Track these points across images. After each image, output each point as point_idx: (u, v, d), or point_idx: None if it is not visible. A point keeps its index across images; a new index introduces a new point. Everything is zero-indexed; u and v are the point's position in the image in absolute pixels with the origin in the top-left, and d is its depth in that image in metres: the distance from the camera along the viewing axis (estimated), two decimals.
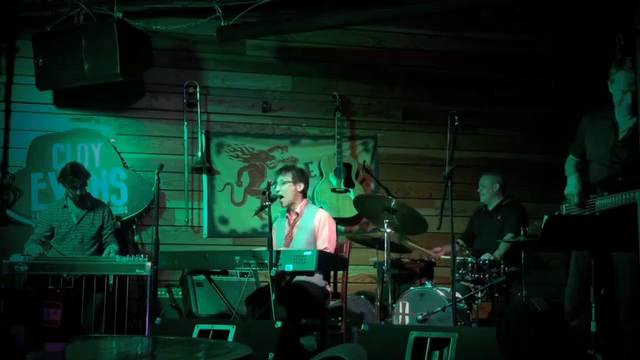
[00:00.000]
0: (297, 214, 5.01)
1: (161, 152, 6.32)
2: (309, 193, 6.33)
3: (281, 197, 4.88)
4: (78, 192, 5.31)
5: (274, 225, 5.00)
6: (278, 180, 4.95)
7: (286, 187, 4.94)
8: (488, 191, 5.85)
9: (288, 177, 4.96)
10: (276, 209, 5.08)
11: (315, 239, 4.90)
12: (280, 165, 6.24)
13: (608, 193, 3.73)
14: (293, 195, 4.98)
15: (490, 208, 5.88)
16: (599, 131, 3.90)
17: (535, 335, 3.87)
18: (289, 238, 4.97)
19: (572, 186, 3.96)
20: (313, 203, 6.27)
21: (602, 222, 3.76)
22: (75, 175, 5.30)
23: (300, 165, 6.42)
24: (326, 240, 4.86)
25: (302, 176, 5.06)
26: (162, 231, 5.16)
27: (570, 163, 4.14)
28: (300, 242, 4.89)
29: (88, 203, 5.45)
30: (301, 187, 5.01)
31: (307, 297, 4.71)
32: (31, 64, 5.87)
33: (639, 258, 3.63)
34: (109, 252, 5.28)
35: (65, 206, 5.41)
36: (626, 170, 3.69)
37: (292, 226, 5.00)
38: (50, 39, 5.83)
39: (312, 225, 4.93)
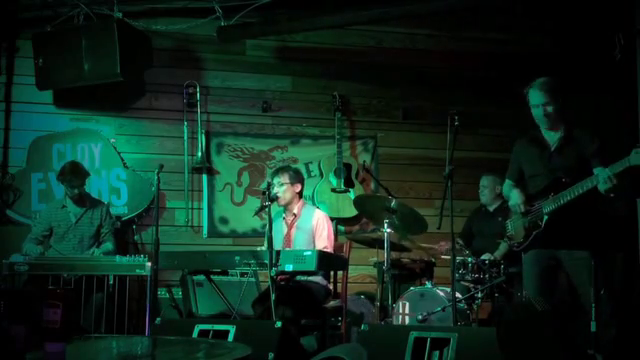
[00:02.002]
0: (295, 215, 5.01)
1: (161, 152, 6.32)
2: (309, 193, 6.37)
3: (278, 198, 4.89)
4: (76, 191, 5.32)
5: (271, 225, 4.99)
6: (275, 181, 4.94)
7: (284, 188, 4.95)
8: (490, 192, 5.85)
9: (285, 178, 4.96)
10: (273, 209, 5.09)
11: (314, 239, 4.90)
12: (279, 165, 6.25)
13: (554, 194, 3.98)
14: (291, 196, 4.99)
15: (490, 209, 5.88)
16: (532, 149, 4.28)
17: (535, 335, 3.87)
18: (288, 239, 4.97)
19: (515, 197, 4.27)
20: (313, 203, 6.29)
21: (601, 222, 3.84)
22: (74, 174, 5.31)
23: (300, 165, 6.42)
24: (325, 240, 4.86)
25: (299, 177, 5.08)
26: (162, 231, 5.16)
27: (507, 185, 4.47)
28: (300, 243, 4.90)
29: (87, 202, 5.45)
30: (298, 188, 5.03)
31: (310, 296, 4.72)
32: (31, 64, 5.88)
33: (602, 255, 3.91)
34: (104, 250, 5.27)
35: (64, 206, 5.41)
36: (568, 173, 3.99)
37: (290, 227, 5.00)
38: (50, 39, 5.83)
39: (310, 225, 4.94)
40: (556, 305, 4.06)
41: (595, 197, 3.81)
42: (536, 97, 4.19)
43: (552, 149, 4.16)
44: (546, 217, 4.03)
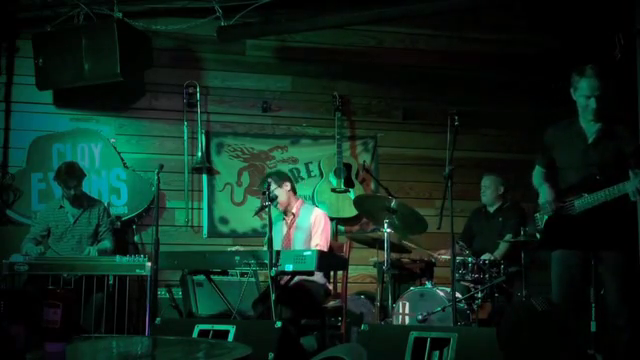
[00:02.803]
0: (293, 214, 5.01)
1: (161, 152, 6.32)
2: (309, 193, 6.37)
3: (277, 202, 4.88)
4: (72, 192, 5.31)
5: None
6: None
7: (275, 193, 4.93)
8: (492, 193, 5.84)
9: (272, 185, 4.92)
10: (273, 211, 5.08)
11: (311, 237, 4.90)
12: (279, 165, 6.26)
13: (586, 193, 3.83)
14: (286, 196, 4.98)
15: (491, 210, 5.88)
16: (567, 139, 4.06)
17: (535, 335, 3.86)
18: (288, 239, 4.96)
19: (545, 194, 4.08)
20: (313, 203, 6.28)
21: (602, 221, 3.80)
22: (69, 175, 5.30)
23: (300, 165, 6.43)
24: (319, 238, 4.84)
25: (281, 176, 5.08)
26: (162, 231, 5.16)
27: (538, 174, 4.28)
28: (299, 242, 4.89)
29: (84, 202, 5.44)
30: (288, 186, 5.03)
31: (310, 296, 4.72)
32: (31, 64, 5.87)
33: (625, 257, 3.79)
34: (100, 247, 5.28)
35: (61, 206, 5.40)
36: (603, 169, 3.82)
37: (290, 227, 5.00)
38: (50, 39, 5.83)
39: (308, 224, 4.93)
40: (581, 304, 3.93)
41: (627, 198, 3.67)
42: (590, 87, 3.87)
43: (589, 141, 3.95)
44: (546, 217, 4.01)
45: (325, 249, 4.83)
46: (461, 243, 5.69)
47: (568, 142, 4.04)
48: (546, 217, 4.01)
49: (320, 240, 4.83)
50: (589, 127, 3.97)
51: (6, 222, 5.96)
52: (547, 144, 4.19)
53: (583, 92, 3.91)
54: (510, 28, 6.78)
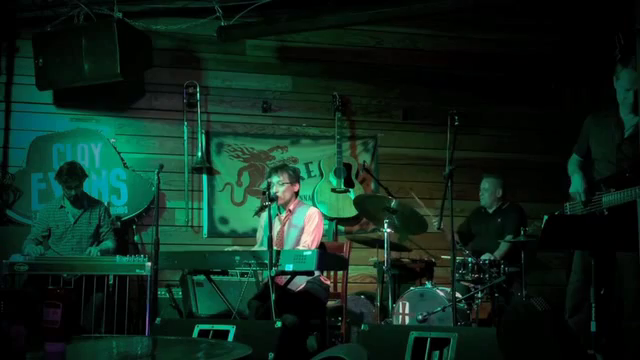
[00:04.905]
0: (290, 211, 5.00)
1: (161, 152, 6.32)
2: (309, 193, 6.37)
3: (278, 198, 4.86)
4: (73, 192, 5.30)
5: (262, 222, 4.97)
6: (274, 180, 4.91)
7: (284, 188, 4.91)
8: (490, 195, 5.85)
9: (285, 178, 4.92)
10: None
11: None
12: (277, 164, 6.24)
13: (615, 189, 3.77)
14: (290, 196, 4.96)
15: (490, 211, 5.88)
16: (604, 129, 3.96)
17: (535, 335, 3.86)
18: (281, 236, 4.94)
19: (577, 184, 4.01)
20: (313, 203, 6.28)
21: (602, 222, 3.78)
22: (70, 175, 5.29)
23: (300, 165, 6.42)
24: (309, 236, 4.79)
25: (297, 176, 5.06)
26: (162, 231, 5.16)
27: (573, 162, 4.20)
28: (292, 239, 4.87)
29: (85, 203, 5.44)
30: (297, 187, 5.01)
31: (314, 298, 4.70)
32: (31, 64, 5.87)
33: None
34: (102, 247, 5.27)
35: (62, 206, 5.39)
36: (634, 166, 3.73)
37: (284, 224, 4.98)
38: (50, 39, 5.83)
39: (302, 222, 4.91)
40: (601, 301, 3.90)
41: None
42: (630, 79, 3.79)
43: (625, 135, 3.85)
44: (546, 217, 3.99)
45: (313, 247, 4.74)
46: (457, 240, 5.69)
47: (606, 133, 3.94)
48: (546, 217, 3.99)
49: (309, 238, 4.79)
50: (629, 120, 3.87)
51: (6, 222, 5.96)
52: (584, 132, 4.09)
53: (623, 84, 3.83)
54: (510, 28, 6.78)
